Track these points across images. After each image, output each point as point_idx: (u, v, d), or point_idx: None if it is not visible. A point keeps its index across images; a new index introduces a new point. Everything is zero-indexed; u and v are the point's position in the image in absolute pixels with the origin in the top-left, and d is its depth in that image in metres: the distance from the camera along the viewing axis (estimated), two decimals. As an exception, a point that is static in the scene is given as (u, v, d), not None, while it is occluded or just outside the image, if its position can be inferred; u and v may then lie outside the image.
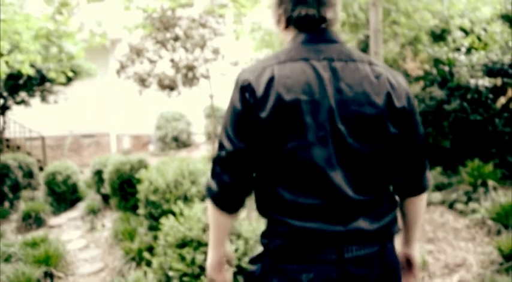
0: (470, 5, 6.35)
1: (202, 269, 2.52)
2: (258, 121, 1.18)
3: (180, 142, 12.27)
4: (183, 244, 2.64)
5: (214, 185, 1.25)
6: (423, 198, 1.37)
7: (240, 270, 2.57)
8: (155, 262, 2.71)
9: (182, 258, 2.57)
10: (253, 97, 1.19)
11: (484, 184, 4.50)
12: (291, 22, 1.30)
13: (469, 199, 4.46)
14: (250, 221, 2.90)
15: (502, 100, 5.07)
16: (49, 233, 6.25)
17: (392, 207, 1.28)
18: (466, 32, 6.13)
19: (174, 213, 3.90)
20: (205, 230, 2.66)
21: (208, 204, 1.30)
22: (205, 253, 2.56)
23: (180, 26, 7.47)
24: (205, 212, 2.80)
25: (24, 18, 6.35)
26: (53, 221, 7.07)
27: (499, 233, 3.81)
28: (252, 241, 2.67)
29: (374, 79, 1.23)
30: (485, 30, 5.98)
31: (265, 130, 1.18)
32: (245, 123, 1.20)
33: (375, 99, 1.20)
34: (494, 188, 4.46)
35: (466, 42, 5.92)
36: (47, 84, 8.90)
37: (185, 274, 2.54)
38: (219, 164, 1.24)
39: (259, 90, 1.19)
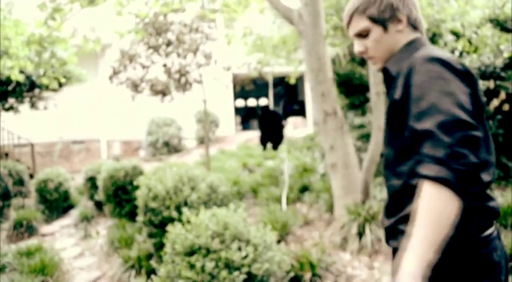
0: (460, 9, 6.45)
1: (212, 276, 2.50)
2: (477, 104, 1.23)
3: (171, 147, 12.20)
4: (191, 252, 2.62)
5: (462, 168, 1.06)
6: None
7: (249, 277, 2.55)
8: (163, 270, 2.68)
9: (191, 266, 2.55)
10: (471, 83, 1.22)
11: (480, 185, 4.56)
12: (412, 23, 1.38)
13: (466, 200, 4.50)
14: (257, 227, 2.89)
15: (495, 102, 5.15)
16: (42, 241, 6.14)
17: None
18: (458, 36, 6.22)
19: (174, 220, 3.87)
20: (213, 237, 2.64)
21: (442, 195, 1.07)
22: (214, 260, 2.54)
23: (173, 31, 7.44)
24: (212, 219, 2.78)
25: (13, 24, 6.25)
26: (45, 229, 6.95)
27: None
28: (260, 247, 2.66)
29: None
30: (476, 33, 6.08)
31: (478, 113, 1.24)
32: (473, 106, 1.18)
33: None
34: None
35: (458, 46, 6.01)
36: (37, 91, 8.77)
37: (195, 282, 2.51)
38: (471, 144, 1.08)
39: (472, 78, 1.23)
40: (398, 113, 1.24)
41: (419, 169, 1.10)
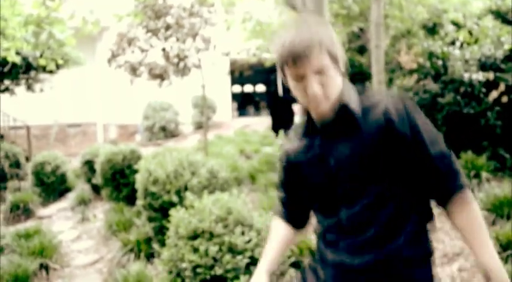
0: (461, -1, 6.45)
1: (215, 260, 2.53)
2: None
3: (168, 132, 12.18)
4: (195, 236, 2.64)
5: None
6: None
7: (252, 261, 2.58)
8: (166, 254, 2.71)
9: (195, 250, 2.57)
10: None
11: (477, 176, 4.60)
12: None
13: (463, 190, 4.54)
14: (260, 212, 2.92)
15: (494, 94, 5.17)
16: (39, 224, 6.14)
17: None
18: (459, 26, 6.22)
19: (175, 204, 3.89)
20: (217, 221, 2.66)
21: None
22: (218, 244, 2.57)
23: (172, 15, 7.36)
24: (216, 203, 2.80)
25: (10, 4, 6.15)
26: (42, 211, 6.96)
27: (493, 223, 3.92)
28: (263, 232, 2.68)
29: None
30: (477, 24, 6.08)
31: None
32: None
33: None
34: (488, 180, 4.57)
35: (459, 36, 6.01)
36: (33, 72, 8.68)
37: (198, 266, 2.54)
38: None
39: None
40: (403, 145, 1.33)
41: (462, 181, 1.33)
